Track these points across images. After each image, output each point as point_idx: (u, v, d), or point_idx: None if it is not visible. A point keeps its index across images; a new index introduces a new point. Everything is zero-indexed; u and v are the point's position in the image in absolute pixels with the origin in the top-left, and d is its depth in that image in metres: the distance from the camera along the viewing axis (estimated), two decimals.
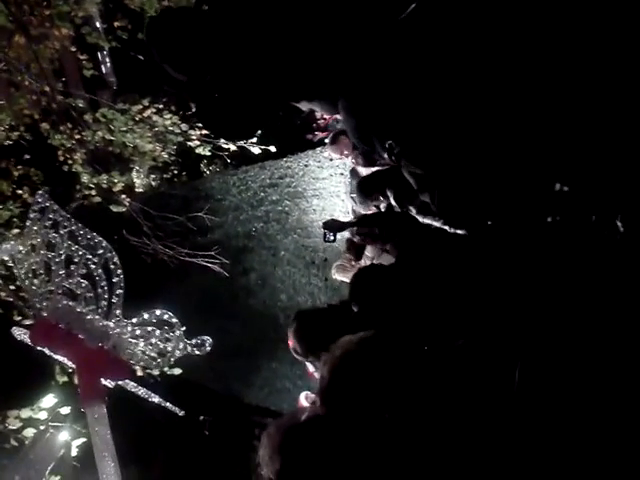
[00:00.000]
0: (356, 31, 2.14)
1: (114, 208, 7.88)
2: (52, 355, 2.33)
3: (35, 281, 2.28)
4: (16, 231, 7.14)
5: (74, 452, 6.27)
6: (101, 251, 2.26)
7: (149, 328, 2.30)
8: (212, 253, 9.01)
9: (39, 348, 2.32)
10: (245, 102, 2.28)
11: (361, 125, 2.55)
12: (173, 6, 7.04)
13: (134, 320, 2.30)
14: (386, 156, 2.96)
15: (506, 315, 2.09)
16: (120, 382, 2.45)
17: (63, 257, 2.25)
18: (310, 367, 7.48)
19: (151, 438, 8.96)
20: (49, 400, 6.44)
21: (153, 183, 11.73)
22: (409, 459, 1.61)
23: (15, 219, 7.29)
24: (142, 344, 2.29)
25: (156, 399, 2.74)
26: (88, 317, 2.22)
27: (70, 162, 7.67)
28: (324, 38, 2.17)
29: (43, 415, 6.34)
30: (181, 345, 2.32)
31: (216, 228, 10.93)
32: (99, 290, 2.26)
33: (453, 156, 2.21)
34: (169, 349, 2.31)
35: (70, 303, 2.24)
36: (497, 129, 2.06)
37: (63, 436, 5.96)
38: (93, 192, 7.87)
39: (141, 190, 11.46)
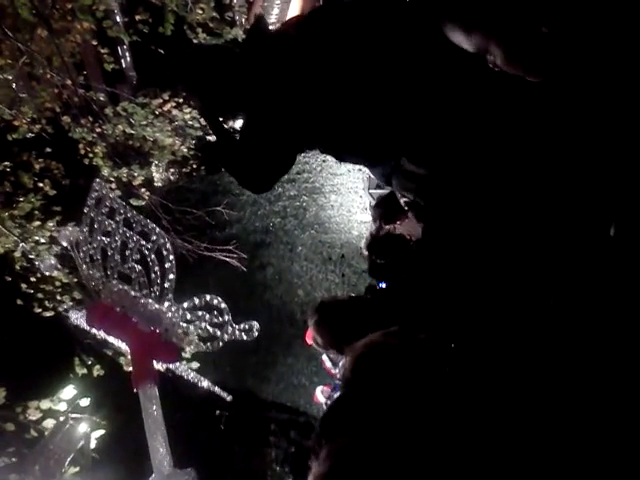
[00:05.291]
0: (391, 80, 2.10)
1: (134, 202, 7.91)
2: (106, 337, 2.36)
3: (92, 266, 2.30)
4: (37, 223, 7.20)
5: (93, 444, 6.32)
6: (154, 237, 2.29)
7: (199, 313, 2.32)
8: (230, 247, 9.02)
9: (94, 330, 2.35)
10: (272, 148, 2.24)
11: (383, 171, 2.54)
12: (192, 5, 7.08)
13: (185, 305, 2.32)
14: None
15: (518, 319, 2.08)
16: (171, 365, 2.47)
17: (119, 243, 2.28)
18: (327, 363, 7.51)
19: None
20: (69, 391, 6.50)
21: (172, 177, 11.78)
22: (422, 455, 1.61)
23: (36, 211, 7.35)
24: (192, 328, 2.32)
25: (205, 383, 2.76)
26: (142, 301, 2.25)
27: (91, 155, 7.71)
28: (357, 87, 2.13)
29: (63, 406, 6.39)
30: (230, 330, 2.34)
31: (234, 223, 10.95)
32: (152, 275, 2.28)
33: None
34: (218, 333, 2.33)
35: (125, 287, 2.26)
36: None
37: (82, 427, 5.99)
38: (113, 185, 7.91)
39: (160, 184, 11.51)
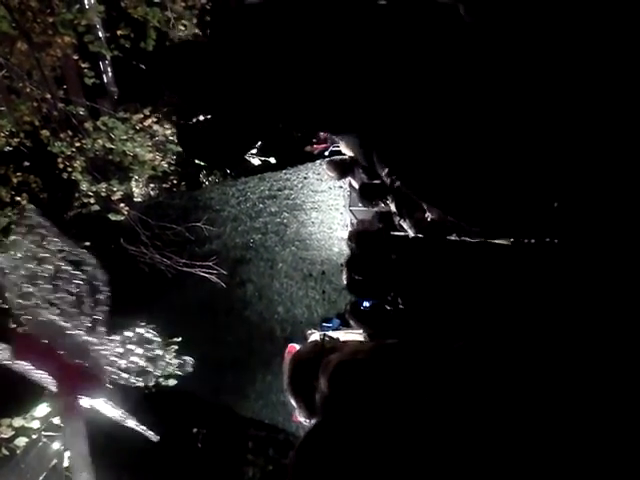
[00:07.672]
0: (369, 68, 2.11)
1: (112, 216, 7.87)
2: (31, 369, 2.27)
3: (20, 294, 2.23)
4: (13, 237, 7.12)
5: (66, 462, 6.19)
6: (88, 268, 2.23)
7: (130, 346, 2.26)
8: (210, 264, 8.99)
9: (18, 362, 2.26)
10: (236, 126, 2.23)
11: (367, 155, 2.54)
12: (174, 21, 7.11)
13: (116, 337, 2.26)
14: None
15: (504, 317, 2.09)
16: (97, 403, 2.38)
17: (50, 272, 2.21)
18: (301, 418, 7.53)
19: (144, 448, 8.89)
20: (42, 409, 6.37)
21: (152, 192, 11.74)
22: (407, 461, 1.60)
23: (13, 226, 7.27)
24: (123, 361, 2.25)
25: (131, 422, 2.65)
26: (70, 332, 2.18)
27: (69, 170, 7.67)
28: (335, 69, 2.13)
29: (36, 424, 6.26)
30: (162, 364, 2.28)
31: (214, 239, 10.91)
32: (83, 306, 2.21)
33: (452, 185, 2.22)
34: (150, 368, 2.27)
35: (53, 317, 2.19)
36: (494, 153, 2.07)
37: (55, 446, 5.88)
38: (92, 200, 7.87)
39: (140, 199, 11.46)
